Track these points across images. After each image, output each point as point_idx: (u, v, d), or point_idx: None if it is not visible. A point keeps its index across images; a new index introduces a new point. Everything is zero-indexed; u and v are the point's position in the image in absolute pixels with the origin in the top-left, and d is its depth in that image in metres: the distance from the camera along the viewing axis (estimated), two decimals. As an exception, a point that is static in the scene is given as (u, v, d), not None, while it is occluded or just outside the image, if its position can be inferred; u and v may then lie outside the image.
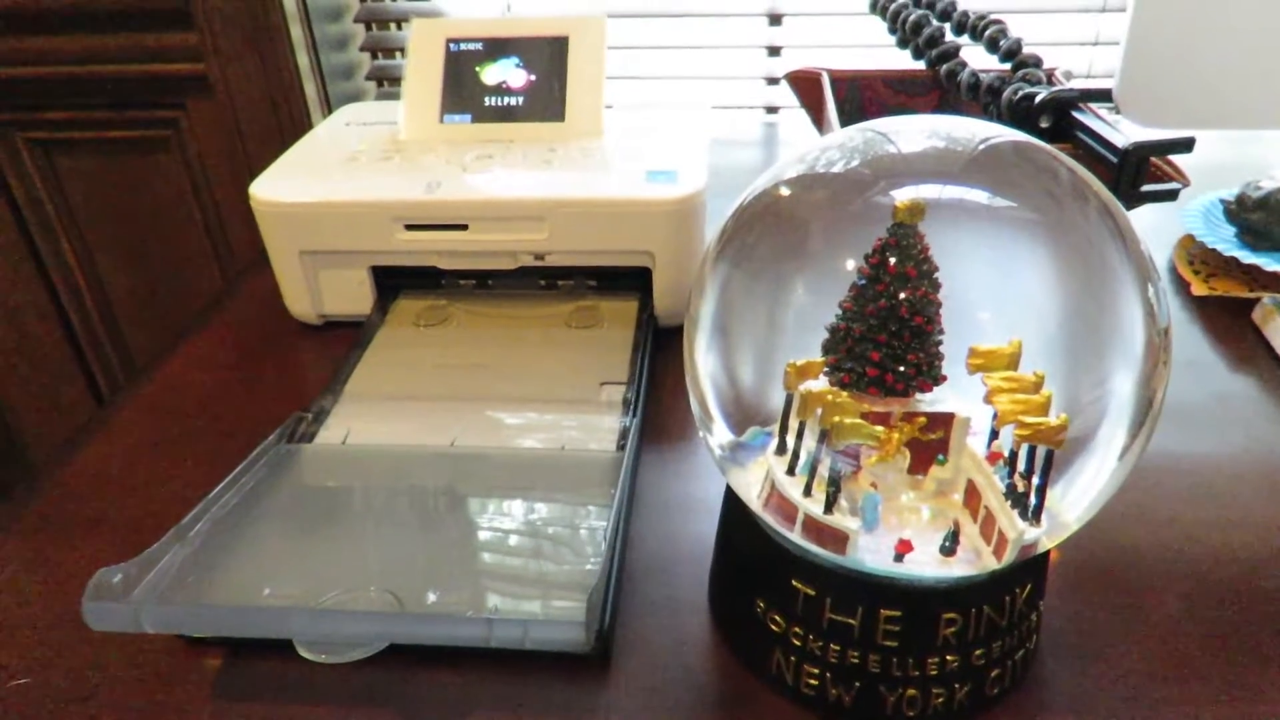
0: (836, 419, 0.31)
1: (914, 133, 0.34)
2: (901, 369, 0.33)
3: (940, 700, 0.33)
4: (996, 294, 0.33)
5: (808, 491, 0.32)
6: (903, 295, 0.32)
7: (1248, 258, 0.59)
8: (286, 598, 0.36)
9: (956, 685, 0.33)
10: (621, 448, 0.45)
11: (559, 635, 0.31)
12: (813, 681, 0.34)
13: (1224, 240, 0.62)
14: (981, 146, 0.32)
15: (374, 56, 1.12)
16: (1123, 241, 0.31)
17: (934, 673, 0.33)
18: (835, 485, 0.32)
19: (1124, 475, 0.32)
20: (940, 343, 0.32)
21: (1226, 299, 0.60)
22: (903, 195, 0.31)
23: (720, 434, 0.35)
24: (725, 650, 0.37)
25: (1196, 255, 0.65)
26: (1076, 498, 0.32)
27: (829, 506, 0.32)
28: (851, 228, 0.33)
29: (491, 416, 0.49)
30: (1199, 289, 0.61)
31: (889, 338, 0.33)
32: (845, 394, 0.32)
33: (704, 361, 0.35)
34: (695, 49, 1.08)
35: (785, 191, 0.35)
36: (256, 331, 0.61)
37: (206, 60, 0.97)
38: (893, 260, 0.32)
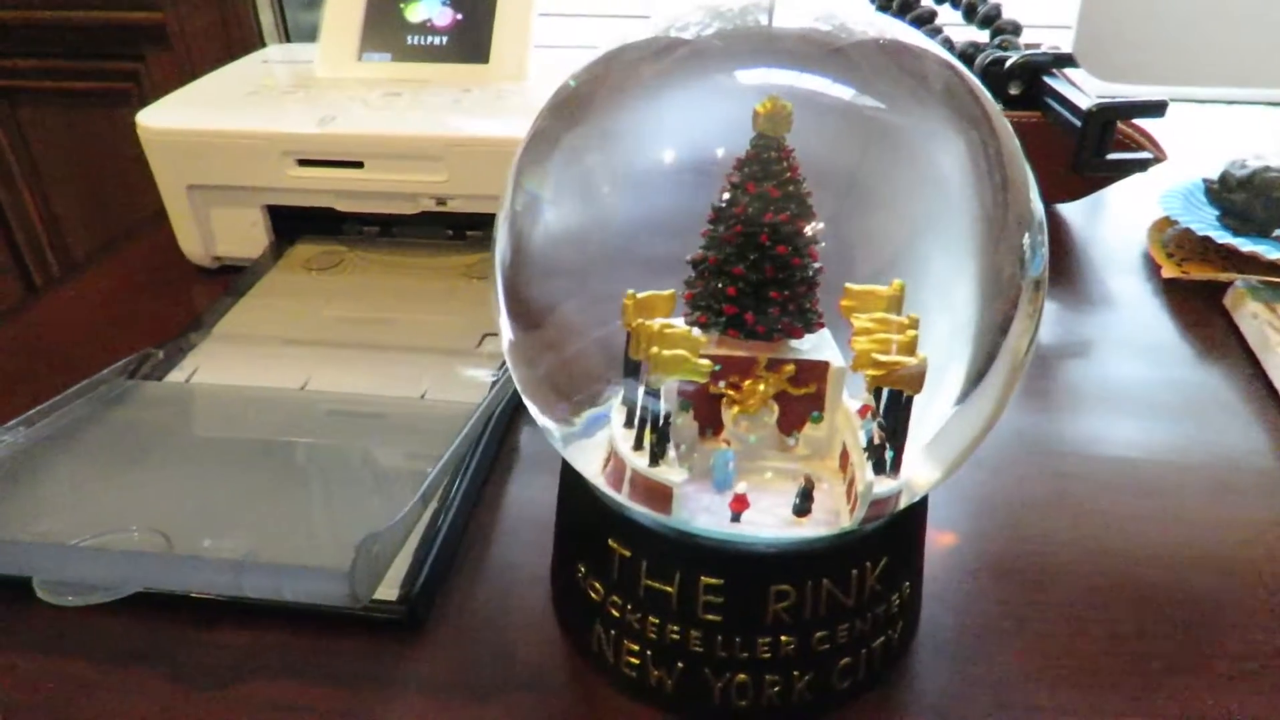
0: (654, 350, 0.26)
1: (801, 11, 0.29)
2: (763, 308, 0.28)
3: (776, 690, 0.28)
4: (862, 221, 0.28)
5: (639, 445, 0.28)
6: (764, 220, 0.27)
7: (1223, 237, 0.54)
8: (51, 535, 0.31)
9: (795, 673, 0.28)
10: (488, 401, 0.41)
11: (320, 587, 0.26)
12: (633, 660, 0.29)
13: (1202, 221, 0.57)
14: (862, 38, 0.28)
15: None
16: (1004, 180, 0.26)
17: (766, 656, 0.27)
18: (662, 434, 0.27)
19: (980, 430, 0.27)
20: (814, 280, 0.28)
21: (1200, 284, 0.54)
22: (751, 80, 0.27)
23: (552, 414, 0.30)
24: (554, 624, 0.32)
25: (1172, 240, 0.59)
26: (930, 450, 0.27)
27: (654, 459, 0.27)
28: (697, 121, 0.28)
29: (358, 363, 0.44)
30: (1169, 271, 0.55)
31: (747, 269, 0.28)
32: (688, 329, 0.27)
33: (513, 332, 0.29)
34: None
35: (620, 63, 0.29)
36: (147, 273, 0.57)
37: (164, 9, 0.94)
38: (749, 173, 0.27)
